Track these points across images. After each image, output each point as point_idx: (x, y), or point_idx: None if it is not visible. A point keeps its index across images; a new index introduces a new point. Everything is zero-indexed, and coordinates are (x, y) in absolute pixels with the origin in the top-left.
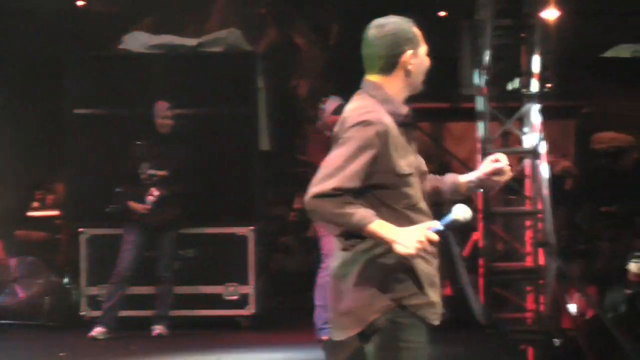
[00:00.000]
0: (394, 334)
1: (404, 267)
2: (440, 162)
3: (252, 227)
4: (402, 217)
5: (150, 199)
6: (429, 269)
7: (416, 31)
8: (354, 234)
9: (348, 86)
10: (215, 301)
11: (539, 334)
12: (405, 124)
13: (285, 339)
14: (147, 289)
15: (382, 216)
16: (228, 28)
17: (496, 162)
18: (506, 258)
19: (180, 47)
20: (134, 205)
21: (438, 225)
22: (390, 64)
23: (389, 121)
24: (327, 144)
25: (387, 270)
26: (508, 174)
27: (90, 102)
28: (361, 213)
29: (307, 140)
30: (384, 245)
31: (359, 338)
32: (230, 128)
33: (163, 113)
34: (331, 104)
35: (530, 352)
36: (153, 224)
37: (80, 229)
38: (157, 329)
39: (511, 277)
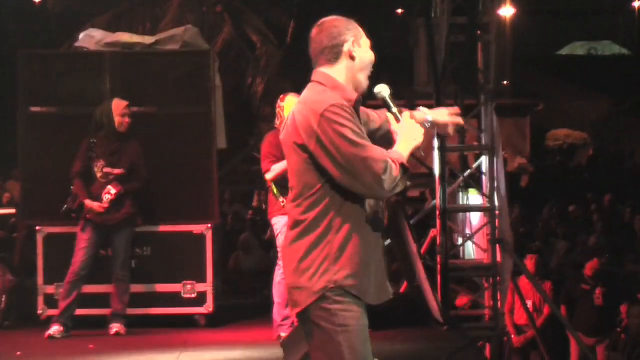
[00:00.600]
0: (329, 319)
1: (343, 248)
2: None
3: (209, 225)
4: (346, 195)
5: (107, 197)
6: (368, 250)
7: (357, 26)
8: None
9: (304, 84)
10: (173, 299)
11: (496, 330)
12: (355, 109)
13: (244, 336)
14: (105, 287)
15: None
16: (184, 26)
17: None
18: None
19: (136, 45)
20: (90, 203)
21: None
22: (334, 53)
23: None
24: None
25: (327, 252)
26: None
27: (45, 100)
28: (393, 162)
29: (263, 138)
30: (325, 228)
31: (298, 317)
32: (186, 126)
33: (122, 111)
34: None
35: (487, 348)
36: (108, 223)
37: (37, 227)
38: (115, 328)
39: (467, 274)
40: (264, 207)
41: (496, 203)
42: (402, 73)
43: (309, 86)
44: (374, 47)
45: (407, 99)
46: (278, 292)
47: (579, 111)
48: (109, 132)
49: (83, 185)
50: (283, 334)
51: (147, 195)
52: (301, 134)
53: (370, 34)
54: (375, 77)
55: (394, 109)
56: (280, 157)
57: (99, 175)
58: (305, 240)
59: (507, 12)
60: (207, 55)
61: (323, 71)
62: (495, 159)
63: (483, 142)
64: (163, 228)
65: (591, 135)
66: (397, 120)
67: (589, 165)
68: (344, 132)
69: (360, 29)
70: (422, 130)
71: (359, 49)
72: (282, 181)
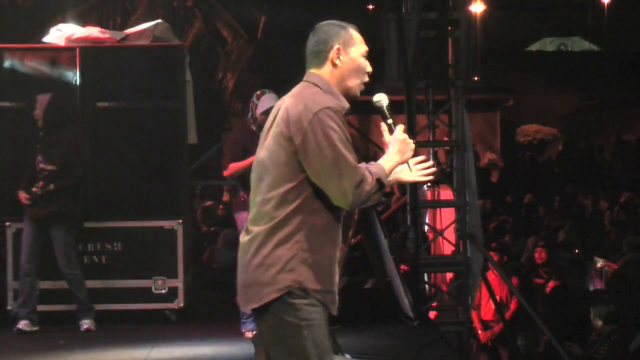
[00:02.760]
0: (293, 313)
1: (311, 251)
2: (366, 155)
3: (180, 221)
4: (322, 196)
5: (34, 190)
6: (333, 258)
7: (353, 32)
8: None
9: (274, 79)
10: (144, 295)
11: (466, 325)
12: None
13: (215, 332)
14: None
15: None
16: (154, 20)
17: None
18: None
19: (106, 40)
20: (20, 195)
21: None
22: (320, 58)
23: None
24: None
25: (295, 252)
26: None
27: (13, 95)
28: (372, 178)
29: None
30: (296, 227)
31: (254, 313)
32: (156, 121)
33: (42, 105)
34: (265, 101)
35: (459, 343)
36: (38, 217)
37: (7, 223)
38: (85, 324)
39: (438, 269)
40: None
41: (467, 198)
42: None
43: (304, 84)
44: None
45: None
46: None
47: (549, 106)
48: (42, 126)
49: (26, 177)
50: (244, 331)
51: (117, 190)
52: (290, 126)
53: None
54: None
55: (389, 121)
56: (240, 156)
57: (37, 169)
58: (274, 236)
59: (477, 8)
60: (178, 50)
61: (317, 73)
62: (465, 154)
63: (453, 137)
64: (133, 223)
65: (561, 131)
66: (390, 132)
67: (558, 160)
68: (332, 135)
69: (354, 37)
70: (412, 146)
71: (344, 57)
72: (242, 177)
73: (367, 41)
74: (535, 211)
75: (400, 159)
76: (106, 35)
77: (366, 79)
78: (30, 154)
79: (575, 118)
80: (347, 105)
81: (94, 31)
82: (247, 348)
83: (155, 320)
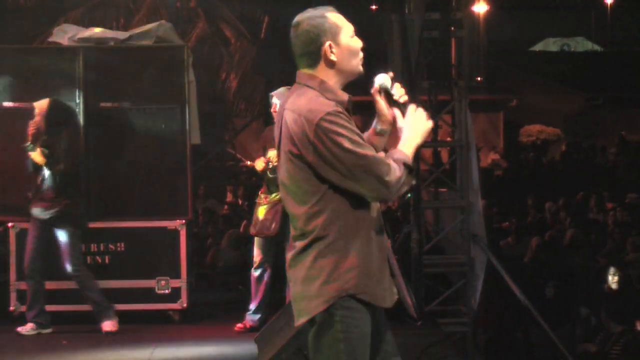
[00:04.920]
0: (333, 326)
1: (351, 255)
2: None
3: (183, 221)
4: (349, 200)
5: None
6: (375, 254)
7: (334, 19)
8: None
9: (278, 79)
10: (147, 295)
11: (470, 325)
12: (347, 110)
13: (218, 332)
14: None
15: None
16: (158, 21)
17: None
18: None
19: (110, 40)
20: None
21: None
22: (312, 59)
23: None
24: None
25: (335, 260)
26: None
27: (17, 95)
28: (395, 162)
29: (236, 133)
30: (332, 235)
31: (308, 325)
32: (160, 122)
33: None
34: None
35: (463, 343)
36: (44, 218)
37: (10, 224)
38: (106, 326)
39: (442, 269)
40: (240, 202)
41: (470, 198)
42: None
43: (298, 90)
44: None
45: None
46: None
47: (552, 107)
48: (44, 131)
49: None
50: (239, 325)
51: (120, 190)
52: (297, 144)
53: None
54: None
55: (399, 99)
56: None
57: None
58: (313, 249)
59: (480, 8)
60: (182, 51)
61: (309, 72)
62: (468, 154)
63: (456, 137)
64: (137, 224)
65: (564, 131)
66: (401, 111)
67: (562, 160)
68: (341, 141)
69: (337, 21)
70: (428, 124)
71: (337, 49)
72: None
73: (370, 41)
74: (540, 212)
75: (418, 141)
76: (110, 36)
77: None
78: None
79: (578, 118)
80: (345, 97)
81: (97, 31)
82: (250, 348)
83: (159, 321)
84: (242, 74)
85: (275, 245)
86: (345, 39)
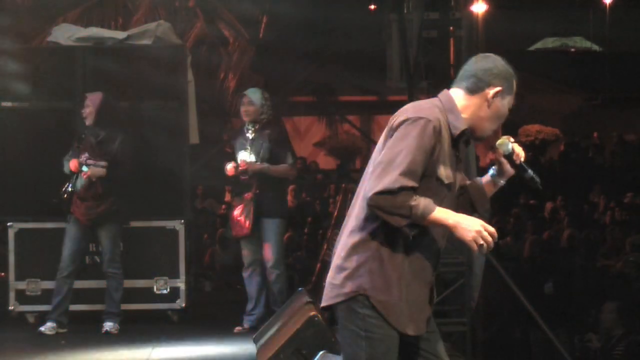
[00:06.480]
0: (354, 321)
1: (383, 260)
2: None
3: (182, 221)
4: None
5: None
6: (409, 275)
7: (515, 82)
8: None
9: (276, 79)
10: (146, 295)
11: (467, 325)
12: (457, 140)
13: (216, 332)
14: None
15: None
16: (156, 21)
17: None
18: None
19: (108, 40)
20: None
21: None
22: (476, 86)
23: (445, 126)
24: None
25: (365, 258)
26: (521, 152)
27: (16, 95)
28: (423, 203)
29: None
30: (371, 233)
31: (326, 312)
32: (159, 121)
33: (95, 103)
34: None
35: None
36: (90, 218)
37: (9, 223)
38: (108, 326)
39: (440, 269)
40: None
41: None
42: (374, 68)
43: (430, 99)
44: (346, 42)
45: (379, 94)
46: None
47: (551, 106)
48: (93, 124)
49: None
50: (238, 328)
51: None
52: (389, 125)
53: (342, 29)
54: (350, 70)
55: (529, 171)
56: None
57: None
58: (353, 240)
59: (479, 8)
60: (180, 50)
61: (451, 94)
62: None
63: None
64: (135, 223)
65: (562, 131)
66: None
67: (560, 160)
68: (408, 142)
69: (514, 86)
70: (476, 225)
71: (499, 101)
72: None
73: (369, 41)
74: (540, 211)
75: (453, 228)
76: (108, 35)
77: (499, 124)
78: (37, 156)
79: (577, 118)
80: (462, 126)
81: (95, 31)
82: (249, 348)
83: (157, 321)
84: (240, 73)
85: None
86: (508, 101)
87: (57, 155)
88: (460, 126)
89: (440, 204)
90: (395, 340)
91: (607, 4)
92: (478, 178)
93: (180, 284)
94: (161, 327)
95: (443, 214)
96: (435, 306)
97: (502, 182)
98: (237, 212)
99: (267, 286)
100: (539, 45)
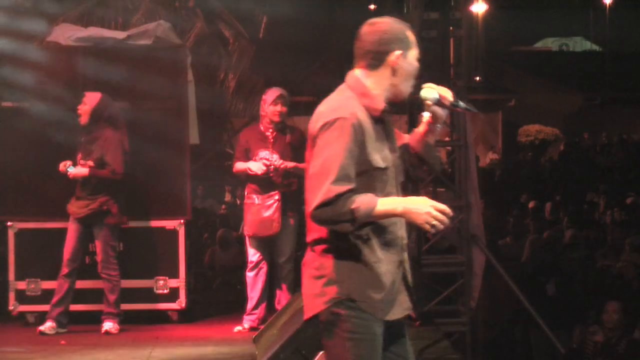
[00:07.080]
0: (339, 324)
1: (359, 260)
2: None
3: (181, 221)
4: None
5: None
6: (384, 264)
7: (411, 35)
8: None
9: (276, 79)
10: (146, 295)
11: (468, 325)
12: (381, 119)
13: (216, 332)
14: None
15: None
16: (156, 21)
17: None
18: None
19: (108, 40)
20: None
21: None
22: (376, 59)
23: (362, 115)
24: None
25: (340, 261)
26: (447, 93)
27: (13, 95)
28: (364, 202)
29: (235, 133)
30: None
31: (309, 323)
32: (158, 121)
33: (93, 102)
34: (271, 92)
35: (462, 343)
36: (81, 216)
37: (9, 223)
38: (107, 326)
39: (440, 269)
40: (238, 202)
41: (468, 198)
42: None
43: (340, 88)
44: (347, 42)
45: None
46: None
47: (551, 106)
48: (86, 123)
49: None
50: (238, 328)
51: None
52: (310, 133)
53: (342, 29)
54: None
55: (460, 103)
56: (243, 156)
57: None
58: (320, 247)
59: (479, 8)
60: (180, 50)
61: (357, 76)
62: (467, 154)
63: (454, 137)
64: (135, 224)
65: (562, 131)
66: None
67: (560, 160)
68: (332, 148)
69: (411, 39)
70: (425, 206)
71: (404, 62)
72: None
73: None
74: (539, 211)
75: (401, 211)
76: (108, 35)
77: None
78: (37, 155)
79: (577, 118)
80: (381, 105)
81: (95, 31)
82: (249, 348)
83: (157, 321)
84: (240, 73)
85: (270, 244)
86: (413, 58)
87: (57, 155)
88: (377, 106)
89: (387, 186)
90: (379, 338)
91: (607, 4)
92: (415, 130)
93: (180, 284)
94: (161, 327)
95: (389, 205)
96: (435, 306)
97: (439, 126)
98: (267, 212)
99: (274, 283)
100: (539, 45)
